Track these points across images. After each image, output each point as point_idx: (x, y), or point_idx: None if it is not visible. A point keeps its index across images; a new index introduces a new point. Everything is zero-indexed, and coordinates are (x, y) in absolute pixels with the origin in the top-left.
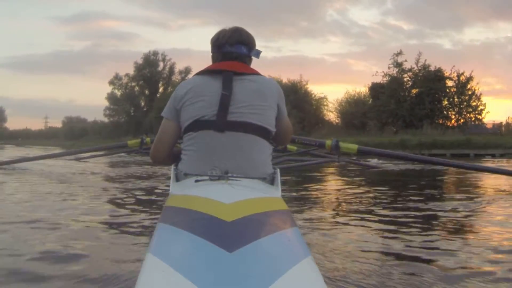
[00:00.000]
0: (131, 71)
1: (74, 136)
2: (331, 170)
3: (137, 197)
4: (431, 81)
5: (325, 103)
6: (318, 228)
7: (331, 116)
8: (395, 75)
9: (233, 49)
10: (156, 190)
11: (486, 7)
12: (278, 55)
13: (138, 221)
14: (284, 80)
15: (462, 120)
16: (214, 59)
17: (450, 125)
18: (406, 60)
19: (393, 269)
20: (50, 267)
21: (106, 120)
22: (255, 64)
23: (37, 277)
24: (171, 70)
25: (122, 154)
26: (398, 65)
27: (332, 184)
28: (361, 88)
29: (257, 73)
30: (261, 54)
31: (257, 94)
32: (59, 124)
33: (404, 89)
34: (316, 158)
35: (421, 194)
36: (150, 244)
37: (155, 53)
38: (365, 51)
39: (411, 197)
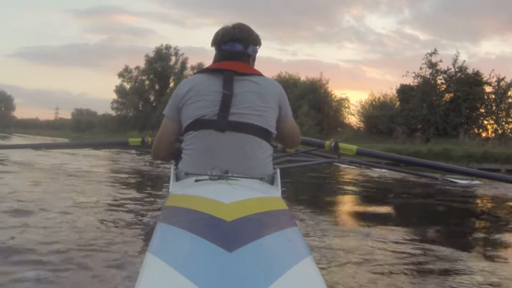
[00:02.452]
0: (142, 65)
1: (81, 128)
2: (331, 170)
3: (137, 196)
4: (469, 85)
5: (346, 105)
6: (318, 228)
7: (352, 119)
8: (428, 76)
9: (227, 47)
10: (156, 189)
11: (504, 21)
12: (293, 58)
13: (137, 221)
14: (303, 78)
15: (500, 131)
16: (214, 57)
17: (485, 135)
18: (441, 61)
19: (393, 270)
20: (48, 267)
21: (113, 113)
22: (267, 64)
23: (34, 277)
24: (183, 65)
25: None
26: (433, 65)
27: (332, 185)
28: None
29: (258, 74)
30: (277, 56)
31: (258, 95)
32: (69, 116)
33: (437, 93)
34: (316, 159)
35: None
36: (150, 243)
37: (168, 47)
38: (380, 59)
39: (412, 199)
